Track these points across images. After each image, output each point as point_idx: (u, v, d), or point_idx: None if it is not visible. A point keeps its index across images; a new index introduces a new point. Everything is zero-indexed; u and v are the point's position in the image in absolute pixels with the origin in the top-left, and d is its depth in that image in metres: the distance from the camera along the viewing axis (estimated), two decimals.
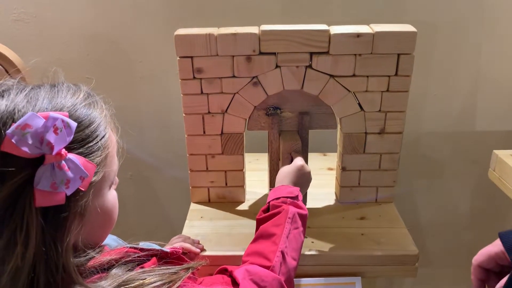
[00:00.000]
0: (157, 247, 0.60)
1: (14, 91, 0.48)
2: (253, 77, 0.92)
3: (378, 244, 0.90)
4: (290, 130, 0.99)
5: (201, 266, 0.61)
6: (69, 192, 0.46)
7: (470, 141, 1.34)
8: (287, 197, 0.78)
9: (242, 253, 0.87)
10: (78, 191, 0.48)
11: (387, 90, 0.94)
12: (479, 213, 1.43)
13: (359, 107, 0.95)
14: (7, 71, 0.98)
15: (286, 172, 0.87)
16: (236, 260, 0.88)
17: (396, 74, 0.92)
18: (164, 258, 0.59)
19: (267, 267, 0.67)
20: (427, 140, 1.34)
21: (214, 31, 0.89)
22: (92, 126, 0.51)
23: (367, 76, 0.92)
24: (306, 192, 0.94)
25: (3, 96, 0.48)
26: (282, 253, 0.69)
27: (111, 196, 0.57)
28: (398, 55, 0.90)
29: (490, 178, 1.12)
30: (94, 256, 0.54)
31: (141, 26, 1.21)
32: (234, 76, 0.92)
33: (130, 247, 0.56)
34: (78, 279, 0.49)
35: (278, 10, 1.19)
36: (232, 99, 0.94)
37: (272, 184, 1.02)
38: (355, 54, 0.90)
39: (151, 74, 1.26)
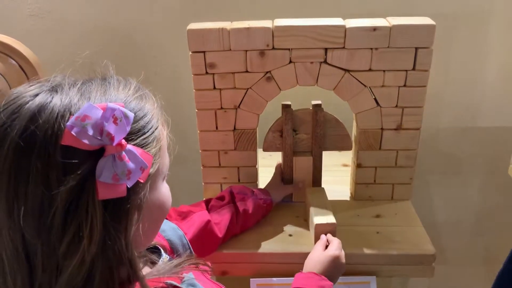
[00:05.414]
0: None
1: (67, 86, 0.48)
2: (266, 72, 0.91)
3: (393, 243, 0.88)
4: (305, 152, 0.99)
5: None
6: (130, 184, 0.46)
7: (490, 137, 1.30)
8: None
9: (254, 251, 0.87)
10: (137, 183, 0.47)
11: (404, 85, 0.91)
12: (498, 211, 1.40)
13: (375, 103, 0.93)
14: (21, 67, 0.99)
15: (320, 259, 0.79)
16: (248, 258, 0.87)
17: (413, 69, 0.90)
18: None
19: None
20: (445, 135, 1.30)
21: (227, 25, 0.88)
22: (146, 118, 0.50)
23: (384, 71, 0.90)
24: None
25: (56, 91, 0.47)
26: None
27: (165, 189, 0.57)
28: (416, 49, 0.88)
29: (510, 175, 1.09)
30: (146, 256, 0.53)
31: (155, 21, 1.20)
32: (247, 71, 0.91)
33: (169, 284, 0.54)
34: (141, 275, 0.50)
35: (292, 2, 1.17)
36: (245, 94, 0.93)
37: (286, 182, 1.02)
38: (372, 48, 0.88)
39: (165, 69, 1.25)
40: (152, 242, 0.64)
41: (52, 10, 1.20)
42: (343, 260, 0.81)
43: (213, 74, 0.91)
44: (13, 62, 0.99)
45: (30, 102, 0.45)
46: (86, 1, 1.19)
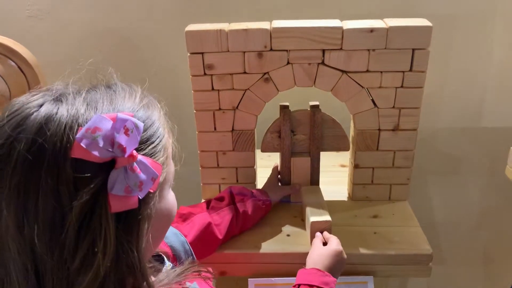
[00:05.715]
0: None
1: (71, 95, 0.46)
2: (264, 73, 0.91)
3: (391, 243, 0.89)
4: (303, 153, 1.00)
5: None
6: (142, 195, 0.45)
7: (488, 137, 1.31)
8: None
9: (253, 251, 0.87)
10: (147, 193, 0.46)
11: (402, 86, 0.92)
12: (495, 211, 1.40)
13: (373, 104, 0.94)
14: (20, 68, 0.99)
15: (322, 253, 0.80)
16: (247, 258, 0.87)
17: (410, 70, 0.90)
18: None
19: None
20: (442, 136, 1.31)
21: (225, 26, 0.88)
22: (154, 126, 0.49)
23: (381, 72, 0.91)
24: None
25: (61, 101, 0.45)
26: None
27: (171, 196, 0.56)
28: (413, 50, 0.88)
29: (507, 175, 1.09)
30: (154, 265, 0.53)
31: (153, 22, 1.21)
32: (245, 72, 0.91)
33: None
34: (151, 285, 0.49)
35: (290, 3, 1.18)
36: (243, 95, 0.93)
37: (284, 183, 1.02)
38: (369, 50, 0.88)
39: (164, 70, 1.26)
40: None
41: (51, 11, 1.20)
42: (345, 256, 0.81)
43: (211, 75, 0.92)
44: (12, 63, 0.99)
45: (35, 113, 0.43)
46: (85, 2, 1.19)
